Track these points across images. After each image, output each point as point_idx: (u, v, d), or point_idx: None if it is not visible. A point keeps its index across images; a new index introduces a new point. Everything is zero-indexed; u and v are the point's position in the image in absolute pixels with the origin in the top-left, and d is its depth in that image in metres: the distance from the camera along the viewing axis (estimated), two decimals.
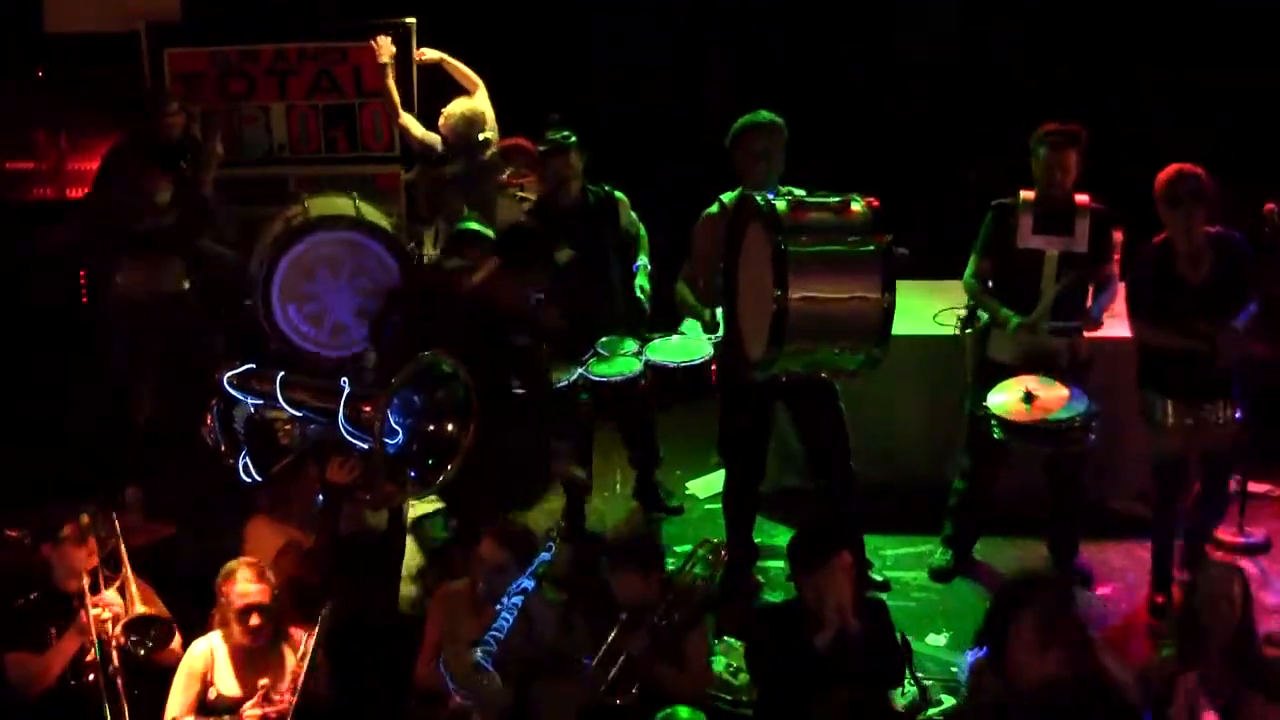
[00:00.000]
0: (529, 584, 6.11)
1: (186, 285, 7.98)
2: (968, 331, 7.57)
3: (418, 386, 6.30)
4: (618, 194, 8.05)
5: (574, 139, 7.88)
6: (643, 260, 8.01)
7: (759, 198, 6.67)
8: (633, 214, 8.08)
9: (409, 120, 8.80)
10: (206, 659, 6.00)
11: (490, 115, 8.58)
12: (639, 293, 7.86)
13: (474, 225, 7.93)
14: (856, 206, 6.52)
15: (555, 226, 7.89)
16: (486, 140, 8.48)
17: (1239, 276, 7.01)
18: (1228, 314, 6.94)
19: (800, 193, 7.11)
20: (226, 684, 5.97)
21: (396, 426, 6.34)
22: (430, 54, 8.90)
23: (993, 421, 7.13)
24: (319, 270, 6.56)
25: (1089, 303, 7.44)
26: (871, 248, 6.40)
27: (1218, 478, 7.37)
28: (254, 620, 5.94)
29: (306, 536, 6.38)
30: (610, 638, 6.13)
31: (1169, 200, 6.91)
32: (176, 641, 6.12)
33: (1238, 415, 7.06)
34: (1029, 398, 7.06)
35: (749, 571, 7.71)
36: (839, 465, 7.45)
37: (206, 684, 5.96)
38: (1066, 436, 7.07)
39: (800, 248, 6.32)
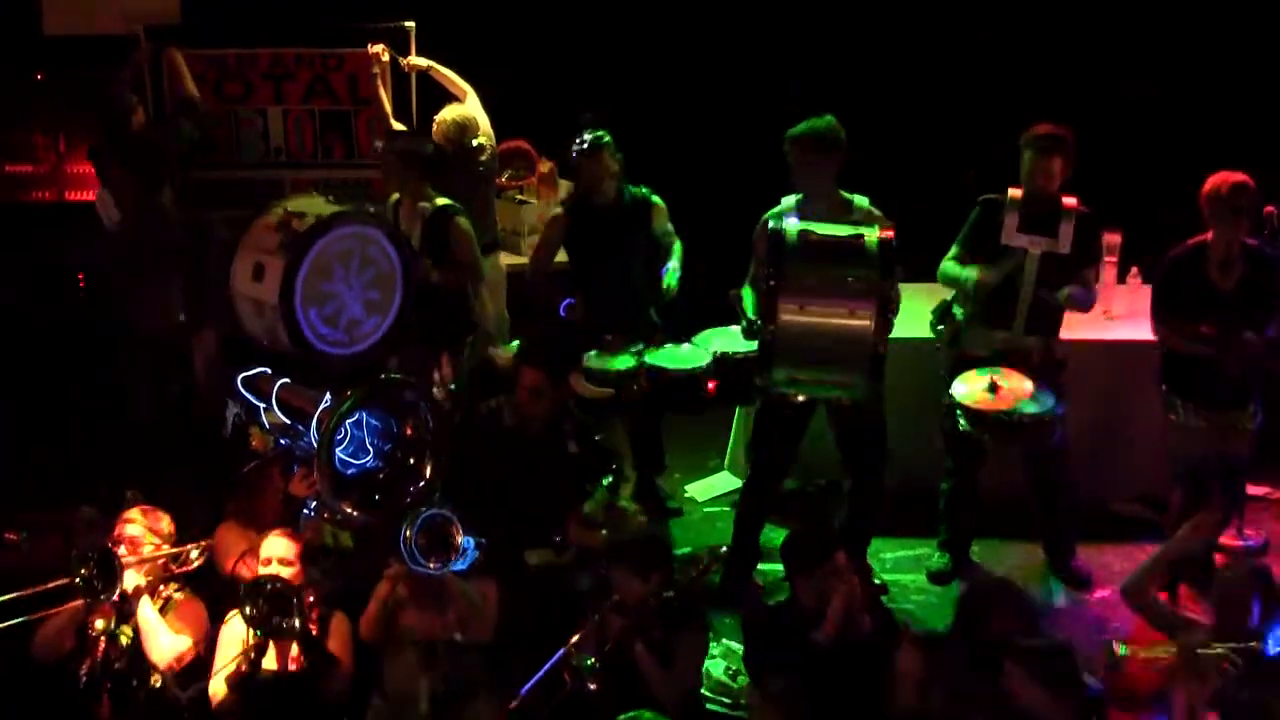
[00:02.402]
0: (468, 542, 6.27)
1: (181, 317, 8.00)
2: (940, 328, 7.59)
3: (394, 411, 6.34)
4: (654, 198, 7.98)
5: (607, 138, 7.83)
6: (673, 264, 7.91)
7: (772, 223, 6.76)
8: (669, 224, 7.99)
9: (401, 129, 8.80)
10: (244, 635, 6.10)
11: (484, 121, 8.57)
12: (663, 290, 7.81)
13: (447, 201, 7.90)
14: (869, 239, 6.64)
15: (586, 225, 7.93)
16: (480, 146, 8.47)
17: (1269, 289, 7.06)
18: (1252, 324, 7.00)
19: (864, 201, 7.18)
20: (265, 658, 6.07)
21: (370, 447, 6.39)
22: (418, 61, 8.88)
23: (958, 411, 7.15)
24: (335, 268, 6.51)
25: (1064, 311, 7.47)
26: (869, 283, 6.53)
27: (1233, 483, 7.40)
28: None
29: (294, 536, 6.40)
30: (595, 616, 6.16)
31: (1231, 209, 6.95)
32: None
33: (1258, 421, 7.12)
34: (993, 388, 7.09)
35: (750, 574, 7.71)
36: (870, 470, 7.50)
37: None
38: (1029, 432, 7.10)
39: (797, 278, 6.52)
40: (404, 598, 6.28)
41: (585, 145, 7.82)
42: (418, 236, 7.80)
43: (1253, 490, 8.01)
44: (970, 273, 7.29)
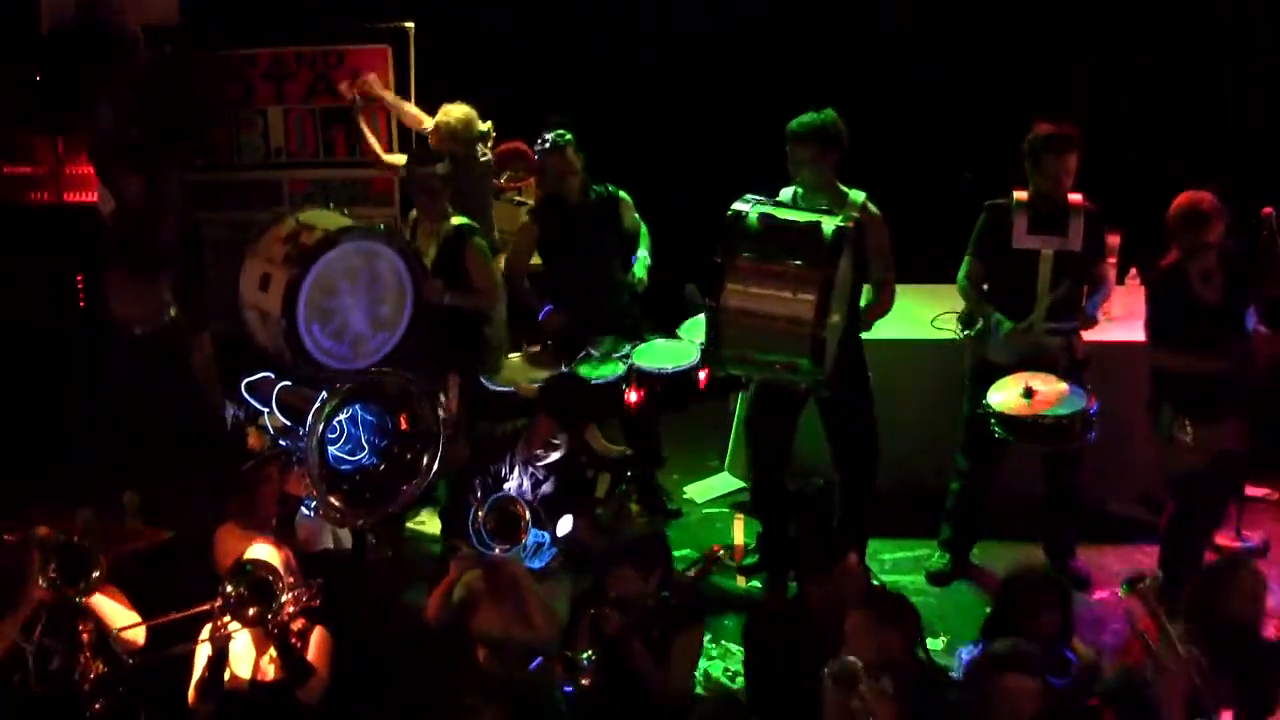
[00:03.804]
0: (544, 538, 6.53)
1: (173, 313, 7.99)
2: (966, 333, 7.58)
3: (390, 407, 6.36)
4: (621, 194, 8.04)
5: (569, 136, 7.86)
6: (642, 253, 8.00)
7: (733, 208, 6.83)
8: (635, 214, 8.08)
9: (391, 159, 8.84)
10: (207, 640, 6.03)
11: None
12: (632, 280, 7.86)
13: (464, 221, 7.94)
14: (826, 226, 6.68)
15: (557, 226, 7.95)
16: (487, 132, 8.48)
17: (1245, 287, 7.04)
18: (1240, 328, 6.98)
19: (859, 196, 7.20)
20: (241, 668, 6.04)
21: (366, 444, 6.41)
22: (375, 87, 8.87)
23: (992, 420, 7.13)
24: (340, 284, 6.54)
25: (1084, 302, 7.45)
26: (814, 268, 6.59)
27: (1228, 486, 7.39)
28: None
29: (280, 545, 6.38)
30: (592, 612, 6.17)
31: (1203, 230, 6.88)
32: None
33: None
34: (1029, 393, 7.08)
35: (787, 573, 7.70)
36: (861, 467, 7.51)
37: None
38: (1067, 433, 7.08)
39: (744, 261, 6.62)
40: (479, 593, 6.35)
41: (549, 143, 7.87)
42: (433, 257, 7.83)
43: (1252, 491, 7.99)
44: (1007, 323, 7.29)
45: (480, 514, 6.39)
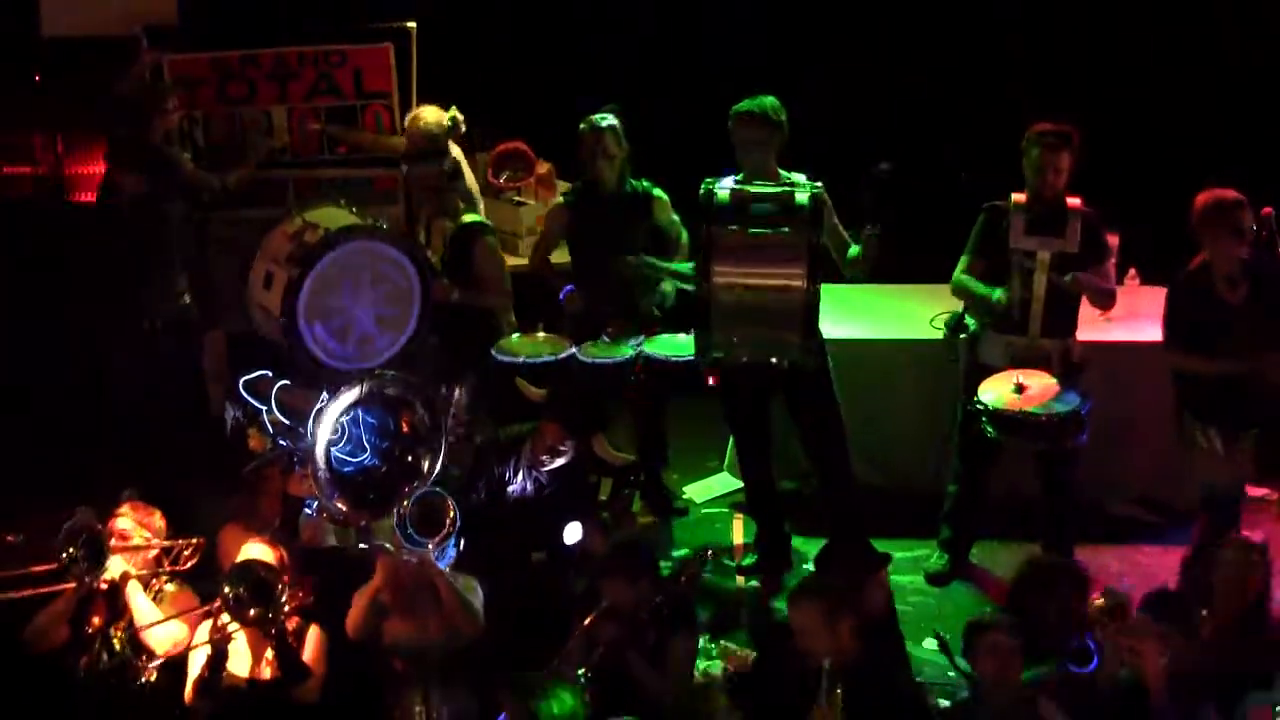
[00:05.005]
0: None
1: (187, 299, 8.01)
2: (961, 336, 7.57)
3: (391, 408, 6.37)
4: (656, 191, 7.95)
5: (609, 121, 7.80)
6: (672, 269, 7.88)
7: (704, 188, 6.96)
8: (674, 216, 7.98)
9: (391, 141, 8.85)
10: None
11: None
12: (660, 297, 7.87)
13: (476, 218, 7.93)
14: (799, 196, 6.83)
15: (587, 216, 7.93)
16: (457, 122, 8.47)
17: (1274, 299, 7.00)
18: (1265, 335, 6.91)
19: (801, 179, 7.20)
20: (238, 666, 6.06)
21: (367, 445, 6.42)
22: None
23: (984, 419, 7.12)
24: (343, 283, 6.55)
25: (1079, 309, 7.44)
26: (798, 239, 6.78)
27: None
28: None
29: (275, 544, 6.42)
30: (586, 622, 6.14)
31: (1234, 229, 6.85)
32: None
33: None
34: (1019, 389, 7.07)
35: (784, 569, 7.77)
36: (836, 468, 7.52)
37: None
38: (1060, 431, 7.06)
39: (728, 236, 6.82)
40: (387, 605, 6.26)
41: (591, 122, 7.82)
42: (443, 254, 7.82)
43: (1253, 491, 7.95)
44: (999, 293, 7.27)
45: (405, 504, 6.29)
